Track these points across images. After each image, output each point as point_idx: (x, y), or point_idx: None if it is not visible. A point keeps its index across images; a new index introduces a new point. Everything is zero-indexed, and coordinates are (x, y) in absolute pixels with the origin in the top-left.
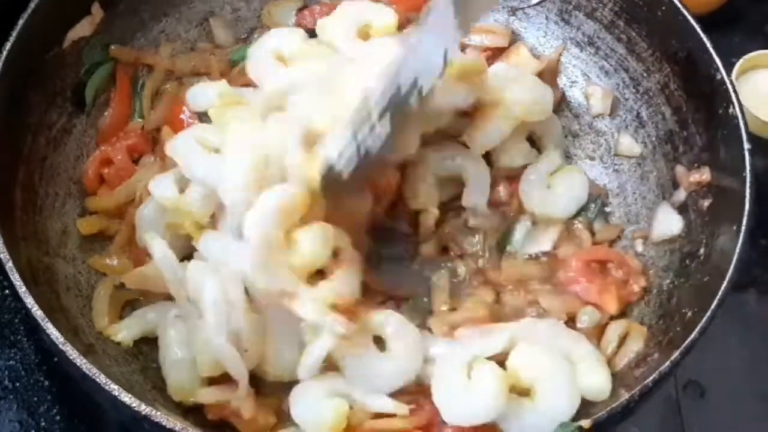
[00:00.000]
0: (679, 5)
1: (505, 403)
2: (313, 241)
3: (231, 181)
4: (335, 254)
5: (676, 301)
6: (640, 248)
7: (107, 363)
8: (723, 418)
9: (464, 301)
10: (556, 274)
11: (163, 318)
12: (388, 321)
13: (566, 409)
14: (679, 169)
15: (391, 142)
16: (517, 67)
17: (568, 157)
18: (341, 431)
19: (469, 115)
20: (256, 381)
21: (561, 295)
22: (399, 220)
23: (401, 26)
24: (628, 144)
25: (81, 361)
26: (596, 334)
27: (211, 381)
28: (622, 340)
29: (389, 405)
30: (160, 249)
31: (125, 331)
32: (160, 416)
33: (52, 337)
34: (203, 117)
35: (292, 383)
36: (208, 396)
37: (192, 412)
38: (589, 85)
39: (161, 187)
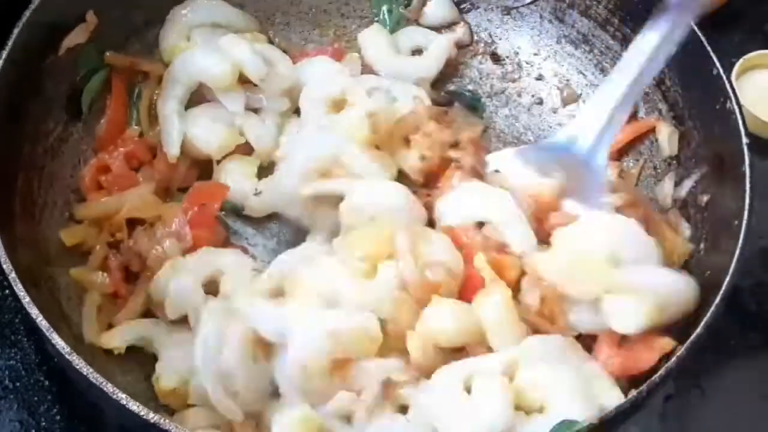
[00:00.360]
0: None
1: (511, 417)
2: None
3: None
4: None
5: None
6: None
7: (112, 371)
8: (723, 418)
9: None
10: None
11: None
12: None
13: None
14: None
15: None
16: None
17: None
18: None
19: None
20: None
21: None
22: None
23: None
24: None
25: (88, 371)
26: None
27: None
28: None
29: None
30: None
31: (118, 339)
32: (169, 424)
33: (57, 347)
34: None
35: None
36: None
37: None
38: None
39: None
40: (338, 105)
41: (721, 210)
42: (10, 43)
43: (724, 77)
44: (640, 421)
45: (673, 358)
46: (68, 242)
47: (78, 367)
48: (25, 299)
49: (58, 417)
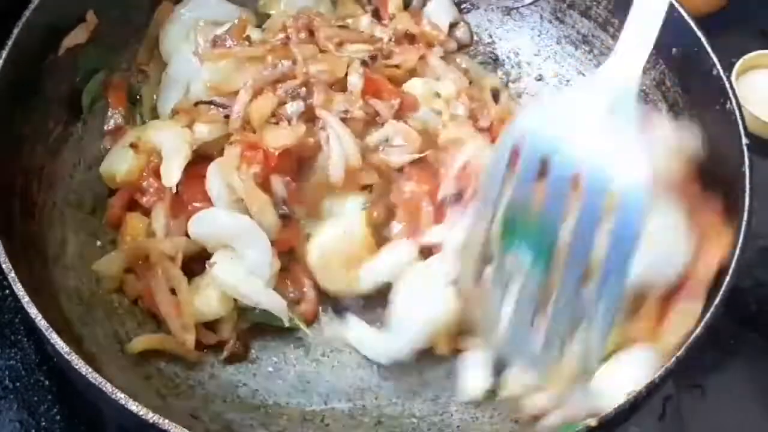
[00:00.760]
0: (675, 2)
1: None
2: None
3: None
4: None
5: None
6: None
7: (111, 371)
8: (723, 418)
9: None
10: None
11: None
12: None
13: None
14: None
15: None
16: None
17: None
18: None
19: None
20: None
21: None
22: None
23: None
24: None
25: (87, 371)
26: None
27: None
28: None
29: None
30: None
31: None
32: (168, 424)
33: (56, 347)
34: None
35: None
36: None
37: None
38: None
39: None
40: None
41: (720, 211)
42: (10, 43)
43: (724, 77)
44: (640, 421)
45: (673, 359)
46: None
47: (77, 366)
48: (25, 299)
49: (58, 417)
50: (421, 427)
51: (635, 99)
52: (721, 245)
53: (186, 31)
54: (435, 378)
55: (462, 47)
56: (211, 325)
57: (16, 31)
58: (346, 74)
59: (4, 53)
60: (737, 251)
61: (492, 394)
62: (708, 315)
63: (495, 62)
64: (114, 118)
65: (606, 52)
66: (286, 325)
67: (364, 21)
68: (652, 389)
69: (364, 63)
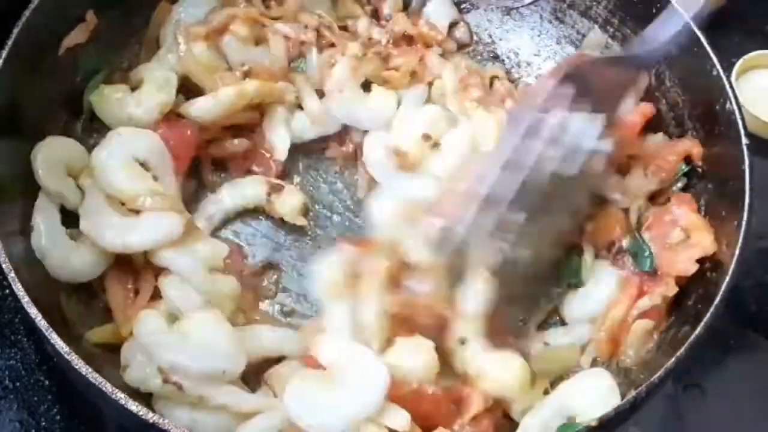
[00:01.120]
0: (674, 2)
1: None
2: None
3: None
4: None
5: (679, 297)
6: None
7: (110, 371)
8: (723, 418)
9: None
10: None
11: None
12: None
13: None
14: None
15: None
16: None
17: None
18: None
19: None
20: None
21: None
22: None
23: None
24: None
25: (87, 371)
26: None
27: None
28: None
29: None
30: None
31: None
32: (168, 424)
33: (56, 347)
34: None
35: None
36: None
37: None
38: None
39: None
40: None
41: (721, 211)
42: (9, 43)
43: (724, 78)
44: (640, 421)
45: (672, 359)
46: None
47: (77, 366)
48: (25, 299)
49: (58, 417)
50: None
51: None
52: (701, 246)
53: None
54: None
55: (461, 47)
56: None
57: (16, 30)
58: None
59: (4, 53)
60: (737, 251)
61: None
62: (708, 315)
63: (495, 62)
64: None
65: (605, 52)
66: None
67: (363, 23)
68: (651, 389)
69: None
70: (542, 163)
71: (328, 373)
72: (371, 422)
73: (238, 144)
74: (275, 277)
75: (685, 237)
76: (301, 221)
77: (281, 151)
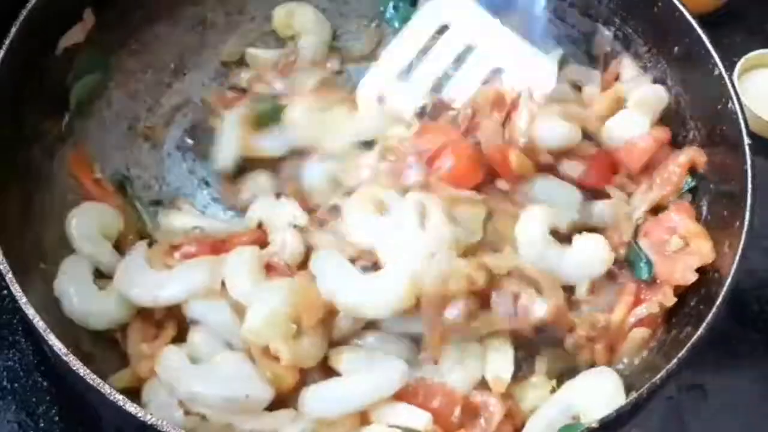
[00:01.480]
0: (676, 1)
1: None
2: None
3: None
4: None
5: (681, 299)
6: None
7: (109, 373)
8: (723, 419)
9: None
10: None
11: None
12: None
13: None
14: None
15: None
16: None
17: None
18: None
19: None
20: None
21: None
22: None
23: None
24: None
25: (85, 372)
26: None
27: None
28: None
29: None
30: None
31: None
32: (166, 425)
33: (54, 348)
34: None
35: None
36: None
37: None
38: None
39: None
40: None
41: (723, 211)
42: (7, 42)
43: (726, 77)
44: (642, 422)
45: (674, 360)
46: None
47: (75, 368)
48: (22, 300)
49: (56, 418)
50: None
51: None
52: (700, 254)
53: None
54: None
55: None
56: None
57: (13, 30)
58: None
59: (1, 52)
60: (739, 251)
61: None
62: (709, 316)
63: None
64: None
65: (606, 52)
66: None
67: None
68: (653, 391)
69: None
70: None
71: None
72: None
73: None
74: None
75: (683, 245)
76: None
77: None
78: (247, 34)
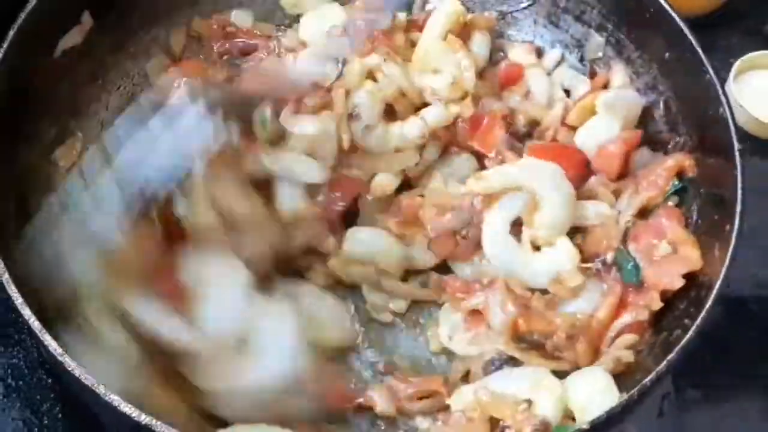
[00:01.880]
0: (667, 7)
1: None
2: None
3: None
4: None
5: (672, 301)
6: None
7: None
8: (722, 418)
9: None
10: None
11: None
12: None
13: None
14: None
15: None
16: None
17: None
18: None
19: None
20: None
21: None
22: None
23: None
24: None
25: (80, 372)
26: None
27: None
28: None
29: None
30: None
31: None
32: (161, 426)
33: (49, 348)
34: None
35: None
36: None
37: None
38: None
39: None
40: None
41: (713, 217)
42: (5, 45)
43: (717, 83)
44: (638, 421)
45: (664, 362)
46: None
47: (70, 368)
48: (18, 300)
49: (60, 415)
50: None
51: None
52: (688, 261)
53: None
54: None
55: None
56: None
57: (11, 33)
58: None
59: (0, 55)
60: (728, 256)
61: None
62: (698, 320)
63: None
64: None
65: (600, 57)
66: None
67: None
68: (643, 393)
69: None
70: None
71: None
72: None
73: None
74: None
75: (671, 251)
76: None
77: None
78: None
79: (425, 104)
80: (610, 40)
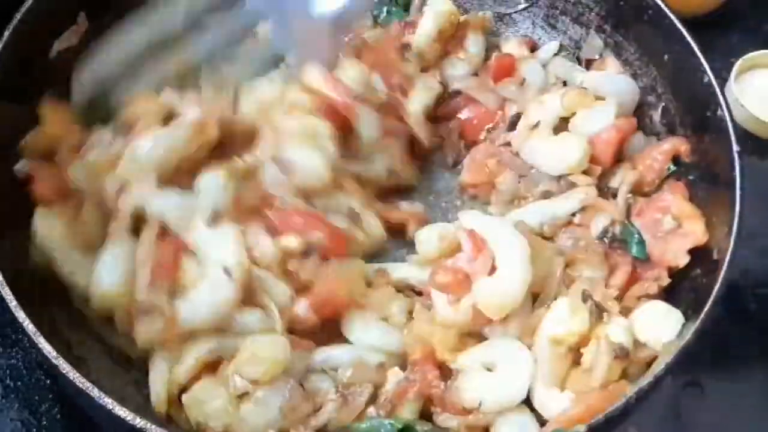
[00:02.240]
0: (666, 9)
1: None
2: None
3: None
4: None
5: (673, 303)
6: None
7: (100, 376)
8: (722, 418)
9: None
10: None
11: None
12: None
13: None
14: None
15: None
16: None
17: None
18: None
19: None
20: None
21: None
22: None
23: None
24: None
25: (75, 375)
26: None
27: None
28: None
29: None
30: None
31: None
32: (156, 429)
33: (44, 351)
34: None
35: None
36: None
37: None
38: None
39: None
40: None
41: (712, 217)
42: (1, 44)
43: (715, 85)
44: (639, 421)
45: (662, 365)
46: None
47: (65, 371)
48: (12, 303)
49: (59, 416)
50: None
51: None
52: (693, 235)
53: None
54: None
55: None
56: None
57: (7, 33)
58: None
59: None
60: (727, 257)
61: None
62: (701, 316)
63: None
64: None
65: (597, 58)
66: None
67: None
68: (641, 396)
69: None
70: None
71: None
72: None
73: None
74: None
75: (676, 226)
76: None
77: None
78: None
79: None
80: (608, 42)
